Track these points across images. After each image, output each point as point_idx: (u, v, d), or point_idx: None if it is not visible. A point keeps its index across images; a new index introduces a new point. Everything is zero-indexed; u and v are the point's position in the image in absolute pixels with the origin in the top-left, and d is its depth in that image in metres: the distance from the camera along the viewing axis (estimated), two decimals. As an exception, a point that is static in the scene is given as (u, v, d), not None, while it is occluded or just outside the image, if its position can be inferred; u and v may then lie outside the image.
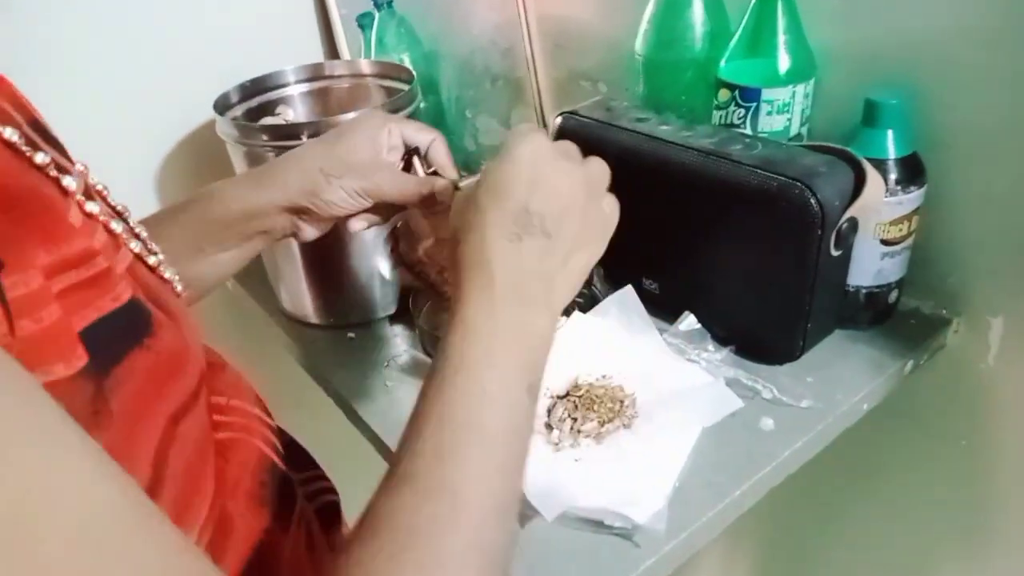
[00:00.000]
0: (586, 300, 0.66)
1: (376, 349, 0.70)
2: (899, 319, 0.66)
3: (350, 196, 0.50)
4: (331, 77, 0.77)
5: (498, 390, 0.34)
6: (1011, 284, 0.62)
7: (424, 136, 0.53)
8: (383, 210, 0.53)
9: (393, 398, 0.64)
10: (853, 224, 0.56)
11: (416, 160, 0.53)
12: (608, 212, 0.42)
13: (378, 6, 0.88)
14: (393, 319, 0.73)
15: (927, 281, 0.66)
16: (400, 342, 0.71)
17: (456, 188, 0.51)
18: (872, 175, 0.55)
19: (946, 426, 0.70)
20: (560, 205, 0.38)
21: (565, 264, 0.39)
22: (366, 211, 0.52)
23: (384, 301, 0.73)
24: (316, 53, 0.88)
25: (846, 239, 0.56)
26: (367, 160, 0.50)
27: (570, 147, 0.42)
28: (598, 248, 0.42)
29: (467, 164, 0.96)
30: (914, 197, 0.59)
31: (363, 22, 0.88)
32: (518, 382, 0.35)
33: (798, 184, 0.54)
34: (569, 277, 0.40)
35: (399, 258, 0.59)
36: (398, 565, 0.29)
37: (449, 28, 0.94)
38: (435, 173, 0.53)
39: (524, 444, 0.35)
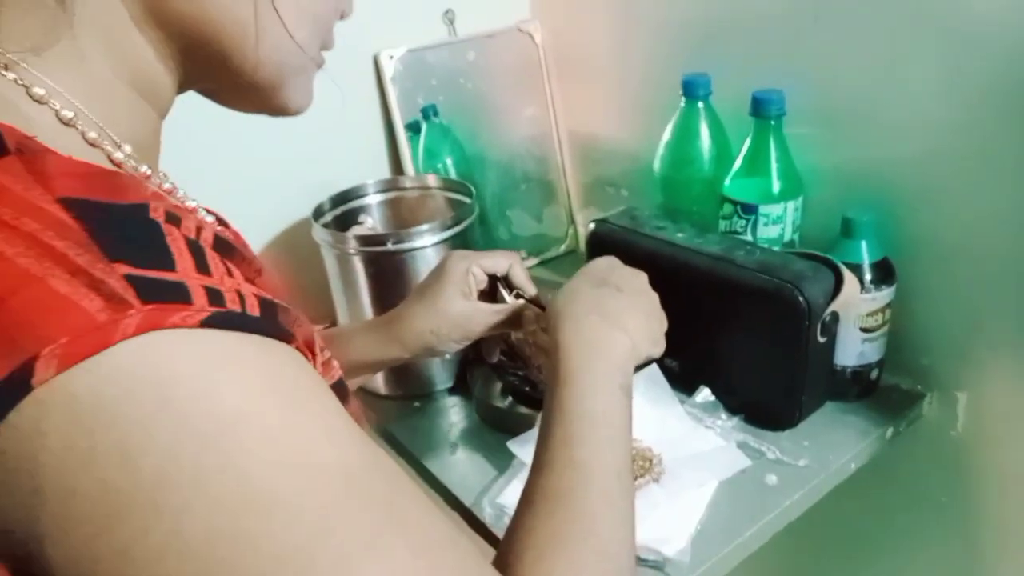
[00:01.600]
0: (618, 376, 0.79)
1: (439, 416, 0.83)
2: (881, 393, 0.78)
3: (457, 343, 0.63)
4: (403, 189, 0.93)
5: (595, 389, 0.48)
6: (972, 365, 0.75)
7: (502, 264, 0.64)
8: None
9: (458, 458, 0.76)
10: (835, 316, 0.69)
11: (500, 285, 0.65)
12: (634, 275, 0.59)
13: (425, 117, 1.04)
14: (451, 391, 0.86)
15: (903, 362, 0.79)
16: (458, 411, 0.84)
17: (539, 306, 0.63)
18: (849, 278, 0.69)
19: (926, 485, 0.82)
20: (627, 276, 0.57)
21: (633, 306, 0.54)
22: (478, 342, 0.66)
23: (443, 375, 0.86)
24: (383, 161, 1.03)
25: (830, 328, 0.69)
26: (463, 310, 0.61)
27: None
28: (656, 311, 0.58)
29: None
30: (886, 294, 0.73)
31: (411, 130, 1.04)
32: (610, 382, 0.49)
33: (789, 285, 0.67)
34: (636, 314, 0.54)
35: (503, 343, 0.71)
36: (551, 519, 0.41)
37: (491, 138, 1.10)
38: (518, 294, 0.65)
39: (623, 424, 0.48)
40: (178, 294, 0.27)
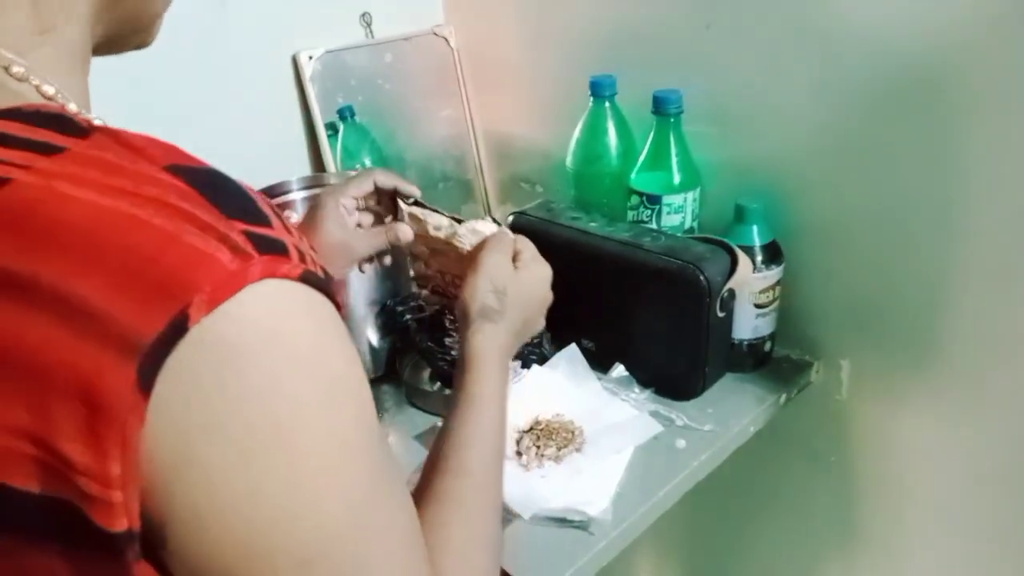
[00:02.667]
0: (539, 357, 0.84)
1: (370, 405, 0.86)
2: (774, 364, 0.86)
3: (344, 267, 0.68)
4: (327, 185, 0.95)
5: (499, 411, 0.54)
6: (852, 335, 0.84)
7: (365, 183, 0.69)
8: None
9: (391, 441, 0.79)
10: (732, 294, 0.77)
11: (394, 201, 0.71)
12: (549, 301, 0.64)
13: (343, 118, 1.07)
14: (381, 379, 0.89)
15: (793, 334, 0.87)
16: (390, 397, 0.87)
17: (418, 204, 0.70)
18: (742, 258, 0.76)
19: (817, 445, 0.91)
20: (542, 317, 0.63)
21: (537, 323, 0.63)
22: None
23: (374, 364, 0.89)
24: (303, 160, 1.05)
25: (728, 304, 0.77)
26: (341, 240, 0.66)
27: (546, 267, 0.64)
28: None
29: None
30: (775, 273, 0.81)
31: (330, 130, 1.05)
32: (505, 404, 0.56)
33: (691, 266, 0.74)
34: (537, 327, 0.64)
35: (419, 279, 0.76)
36: (445, 517, 0.46)
37: (410, 138, 1.13)
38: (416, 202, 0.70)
39: (504, 437, 0.55)
40: (280, 248, 0.30)
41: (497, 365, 0.57)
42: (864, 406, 0.86)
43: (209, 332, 0.28)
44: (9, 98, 0.32)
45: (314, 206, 0.68)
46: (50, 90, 0.34)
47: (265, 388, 0.29)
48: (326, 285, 0.32)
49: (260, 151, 0.97)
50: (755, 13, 0.79)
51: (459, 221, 0.68)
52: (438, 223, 0.68)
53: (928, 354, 0.78)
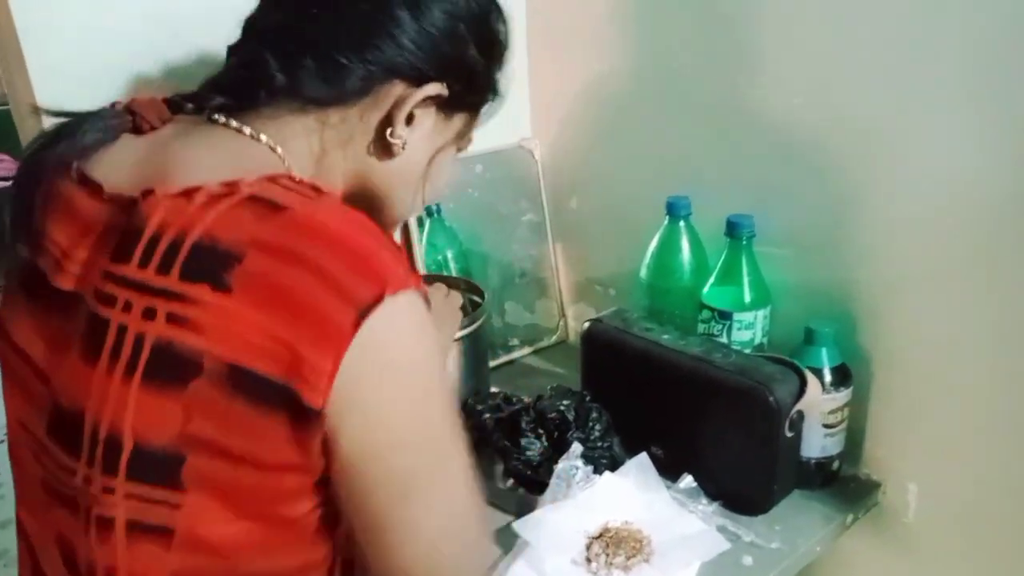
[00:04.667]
0: (610, 460, 0.88)
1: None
2: (842, 483, 0.88)
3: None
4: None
5: None
6: (920, 459, 0.85)
7: None
8: None
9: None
10: (801, 414, 0.79)
11: None
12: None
13: (428, 213, 1.15)
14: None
15: (861, 454, 0.89)
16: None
17: None
18: (812, 381, 0.79)
19: (882, 566, 0.91)
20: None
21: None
22: None
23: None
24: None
25: (797, 425, 0.80)
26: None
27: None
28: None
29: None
30: (844, 395, 0.84)
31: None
32: None
33: (761, 386, 0.78)
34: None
35: None
36: None
37: (493, 238, 1.21)
38: None
39: None
40: (418, 274, 0.55)
41: None
42: (932, 531, 0.86)
43: (390, 304, 0.49)
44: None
45: None
46: None
47: (412, 337, 0.52)
48: (428, 301, 0.55)
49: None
50: (825, 150, 0.84)
51: None
52: None
53: (997, 483, 0.79)
